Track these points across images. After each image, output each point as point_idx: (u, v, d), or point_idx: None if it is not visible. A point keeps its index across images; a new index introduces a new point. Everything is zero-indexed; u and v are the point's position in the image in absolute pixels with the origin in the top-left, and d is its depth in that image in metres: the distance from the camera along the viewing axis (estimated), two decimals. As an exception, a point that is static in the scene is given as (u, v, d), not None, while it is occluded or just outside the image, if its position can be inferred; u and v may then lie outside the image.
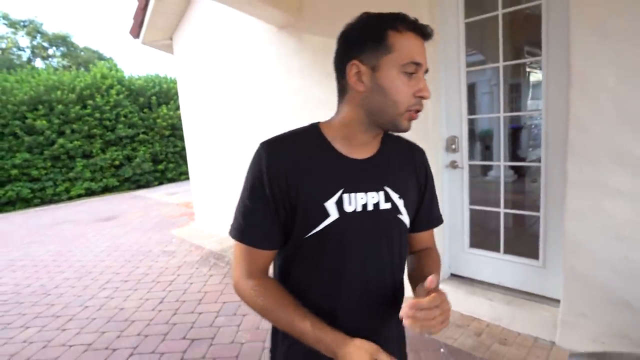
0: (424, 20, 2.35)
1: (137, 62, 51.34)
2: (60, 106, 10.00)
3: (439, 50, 2.52)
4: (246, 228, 0.78)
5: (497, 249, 2.52)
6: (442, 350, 2.20)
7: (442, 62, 2.54)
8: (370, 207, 0.79)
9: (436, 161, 2.61)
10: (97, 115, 10.59)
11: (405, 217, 0.85)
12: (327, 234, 0.76)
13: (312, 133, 0.80)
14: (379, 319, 0.86)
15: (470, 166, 2.62)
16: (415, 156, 0.92)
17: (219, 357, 2.35)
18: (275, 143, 0.77)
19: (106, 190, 11.09)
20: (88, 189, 10.60)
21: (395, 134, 0.85)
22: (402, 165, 0.88)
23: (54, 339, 2.69)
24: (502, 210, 2.46)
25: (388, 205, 0.81)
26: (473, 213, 2.64)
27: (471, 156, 2.64)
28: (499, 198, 2.46)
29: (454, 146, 2.58)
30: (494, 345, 2.21)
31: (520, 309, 2.30)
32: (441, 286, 2.45)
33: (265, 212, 0.76)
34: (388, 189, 0.82)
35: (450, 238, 2.75)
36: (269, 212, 0.76)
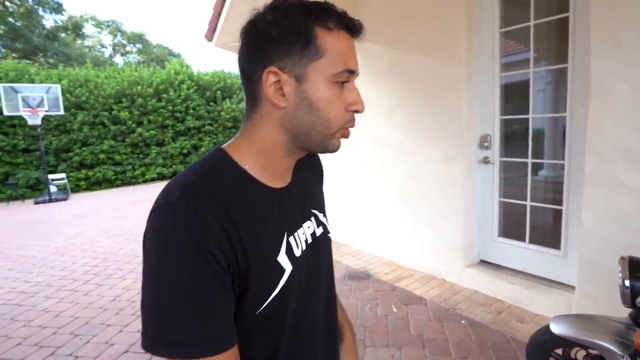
0: (461, 28, 2.88)
1: (202, 58, 54.78)
2: (139, 99, 11.27)
3: (475, 57, 2.79)
4: (205, 333, 0.49)
5: (522, 239, 2.76)
6: (463, 321, 2.52)
7: (477, 68, 2.81)
8: (310, 240, 0.67)
9: (469, 156, 2.89)
10: (170, 107, 11.76)
11: (331, 233, 0.76)
12: (286, 292, 0.59)
13: (227, 167, 0.59)
14: (337, 346, 0.79)
15: (505, 163, 2.87)
16: (314, 160, 0.79)
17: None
18: (202, 202, 0.51)
19: (175, 175, 12.23)
20: (160, 173, 11.86)
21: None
22: (313, 178, 0.77)
23: (145, 288, 3.38)
24: (528, 203, 2.70)
25: (321, 230, 0.71)
26: (502, 205, 2.90)
27: (515, 154, 2.85)
28: (540, 195, 2.72)
29: (486, 143, 2.84)
30: (512, 322, 2.48)
31: (540, 293, 2.54)
32: (470, 270, 2.74)
33: (220, 296, 0.51)
34: (315, 211, 0.71)
35: (480, 228, 3.02)
36: (223, 296, 0.51)
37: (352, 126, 0.61)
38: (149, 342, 0.50)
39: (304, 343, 0.66)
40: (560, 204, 2.51)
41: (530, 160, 2.66)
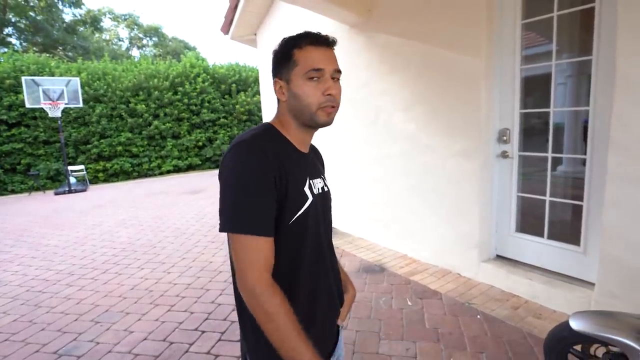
0: (481, 20, 2.84)
1: (217, 51, 54.78)
2: (156, 92, 11.41)
3: (494, 49, 2.73)
4: (259, 219, 0.80)
5: (541, 234, 2.72)
6: (478, 316, 2.51)
7: (498, 60, 2.76)
8: (320, 191, 0.98)
9: (487, 151, 2.85)
10: (185, 100, 11.88)
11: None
12: (308, 214, 0.89)
13: (274, 132, 0.93)
14: (338, 279, 1.08)
15: (525, 157, 2.82)
16: (319, 155, 1.13)
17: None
18: (265, 143, 0.85)
19: (190, 167, 12.46)
20: (176, 166, 12.03)
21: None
22: (320, 160, 1.13)
23: (162, 278, 3.46)
24: (547, 198, 2.65)
25: (327, 188, 1.04)
26: (520, 200, 2.86)
27: (535, 148, 2.79)
28: (559, 190, 2.68)
29: (505, 137, 2.80)
30: (528, 318, 2.46)
31: (558, 289, 2.50)
32: (486, 265, 2.72)
33: (271, 202, 0.82)
34: (323, 177, 1.05)
35: (497, 223, 2.99)
36: (272, 203, 0.82)
37: (332, 106, 0.90)
38: (221, 222, 0.81)
39: (320, 256, 0.96)
40: (581, 199, 2.46)
41: (550, 155, 2.61)
